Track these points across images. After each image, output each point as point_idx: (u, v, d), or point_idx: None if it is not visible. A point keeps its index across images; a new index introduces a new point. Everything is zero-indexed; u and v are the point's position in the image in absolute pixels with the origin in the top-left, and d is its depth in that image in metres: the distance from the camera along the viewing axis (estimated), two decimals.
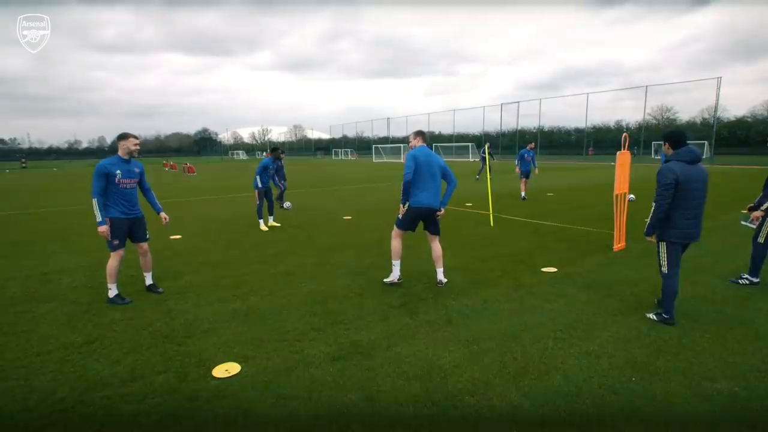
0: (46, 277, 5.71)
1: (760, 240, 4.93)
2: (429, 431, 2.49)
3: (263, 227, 8.85)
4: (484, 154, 22.95)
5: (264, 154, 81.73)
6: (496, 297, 4.67)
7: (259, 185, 8.76)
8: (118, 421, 2.63)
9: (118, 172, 4.54)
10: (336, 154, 76.46)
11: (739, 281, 5.02)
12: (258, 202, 8.88)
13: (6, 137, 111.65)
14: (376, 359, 3.33)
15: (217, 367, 3.23)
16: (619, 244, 6.66)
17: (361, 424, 2.56)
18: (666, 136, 4.02)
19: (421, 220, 4.98)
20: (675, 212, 3.84)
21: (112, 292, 4.68)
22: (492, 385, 2.94)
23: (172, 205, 13.13)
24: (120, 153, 4.65)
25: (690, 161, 3.84)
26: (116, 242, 4.59)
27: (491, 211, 9.43)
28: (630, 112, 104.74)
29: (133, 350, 3.56)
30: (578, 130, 57.97)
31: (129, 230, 4.72)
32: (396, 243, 5.05)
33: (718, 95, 35.13)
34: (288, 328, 3.94)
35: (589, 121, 49.31)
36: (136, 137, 4.76)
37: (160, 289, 5.02)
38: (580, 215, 9.95)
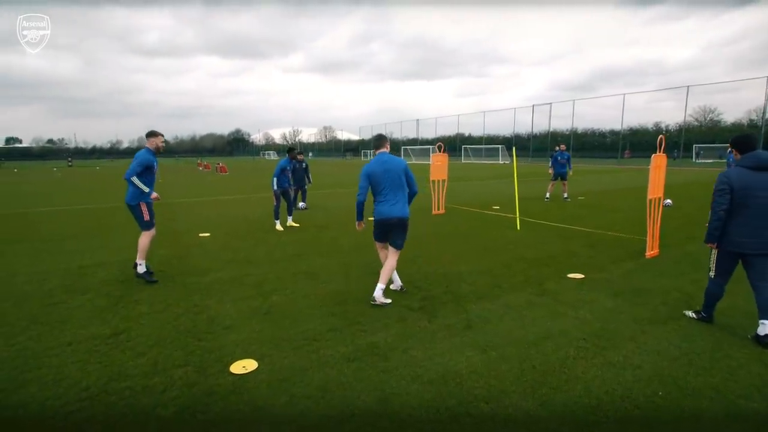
0: (83, 270, 5.98)
1: None
2: None
3: (279, 227, 8.95)
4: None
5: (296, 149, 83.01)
6: (519, 303, 4.55)
7: (275, 187, 8.91)
8: (137, 412, 2.71)
9: (155, 163, 5.36)
10: (365, 155, 76.84)
11: None
12: (275, 203, 9.01)
13: (55, 138, 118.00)
14: (392, 361, 3.31)
15: (234, 364, 3.29)
16: (651, 251, 6.38)
17: (372, 426, 2.55)
18: (732, 142, 3.86)
19: (390, 230, 4.61)
20: (731, 220, 3.70)
21: (142, 267, 5.35)
22: (508, 393, 2.86)
23: (203, 204, 13.52)
24: (151, 147, 5.35)
25: (754, 167, 3.62)
26: (151, 221, 5.40)
27: (518, 215, 9.24)
28: (670, 114, 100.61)
29: (157, 343, 3.67)
30: (613, 132, 56.01)
31: None
32: (380, 255, 4.88)
33: (767, 95, 33.18)
34: (306, 327, 3.97)
35: (625, 122, 47.51)
36: (162, 135, 5.50)
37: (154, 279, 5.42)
38: (612, 220, 9.61)
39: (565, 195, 13.18)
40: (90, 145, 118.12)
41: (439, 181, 11.02)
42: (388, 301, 4.54)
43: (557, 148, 13.01)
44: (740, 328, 3.88)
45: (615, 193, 15.78)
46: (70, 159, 58.51)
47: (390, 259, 4.59)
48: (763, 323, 3.60)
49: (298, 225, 9.34)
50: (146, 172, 5.24)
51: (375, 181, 4.54)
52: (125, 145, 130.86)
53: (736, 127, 54.62)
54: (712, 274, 3.95)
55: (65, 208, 13.01)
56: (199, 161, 50.05)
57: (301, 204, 12.01)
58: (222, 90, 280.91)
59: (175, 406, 2.76)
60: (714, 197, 3.74)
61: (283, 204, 9.28)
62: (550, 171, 13.15)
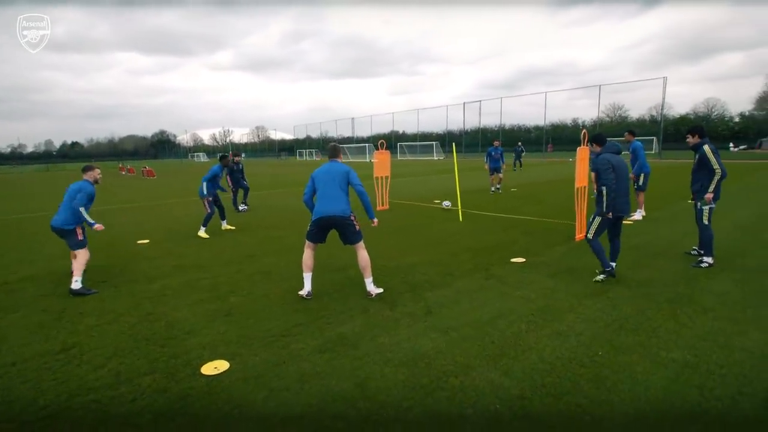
0: (9, 286, 5.48)
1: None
2: (419, 411, 2.65)
3: (203, 234, 8.22)
4: (520, 149, 25.06)
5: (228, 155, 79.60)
6: (470, 287, 4.90)
7: (204, 193, 8.31)
8: (111, 422, 2.64)
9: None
10: (300, 154, 75.66)
11: (691, 252, 5.90)
12: (209, 211, 8.29)
13: None
14: (362, 349, 3.46)
15: (205, 365, 3.27)
16: (580, 234, 7.07)
17: (355, 408, 2.69)
18: (594, 138, 5.22)
19: (330, 230, 4.73)
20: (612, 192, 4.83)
21: (77, 284, 5.09)
22: (473, 367, 3.14)
23: (135, 210, 12.72)
24: (90, 179, 5.68)
25: (615, 152, 5.00)
26: (84, 240, 5.45)
27: (460, 207, 9.74)
28: (585, 110, 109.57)
29: (115, 354, 3.53)
30: (537, 128, 60.11)
31: None
32: (305, 254, 4.76)
33: (664, 94, 37.33)
34: (272, 325, 4.01)
35: (547, 119, 51.18)
36: (98, 168, 5.97)
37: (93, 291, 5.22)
38: (543, 208, 10.43)
39: (498, 187, 14.03)
40: None
41: (382, 177, 11.28)
42: (381, 290, 4.80)
43: (495, 143, 13.80)
44: (657, 295, 4.49)
45: (543, 184, 17.04)
46: None
47: (360, 253, 4.74)
48: (611, 264, 4.99)
49: (234, 228, 9.05)
50: (89, 204, 5.48)
51: (316, 184, 4.78)
52: (29, 149, 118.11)
53: (640, 121, 60.73)
54: (590, 235, 4.97)
55: None
56: (120, 165, 46.45)
57: (242, 206, 11.73)
58: (144, 89, 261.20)
59: (150, 413, 2.71)
60: (603, 175, 4.77)
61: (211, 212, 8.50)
62: (486, 167, 13.93)
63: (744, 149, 48.66)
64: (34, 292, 5.21)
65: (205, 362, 3.33)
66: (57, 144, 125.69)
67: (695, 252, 5.84)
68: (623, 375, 2.97)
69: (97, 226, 5.39)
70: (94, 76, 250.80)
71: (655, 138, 41.40)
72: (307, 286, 4.70)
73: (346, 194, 4.72)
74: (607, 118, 64.94)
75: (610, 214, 4.84)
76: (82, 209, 5.32)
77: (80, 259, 5.24)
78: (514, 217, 9.41)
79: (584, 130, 7.02)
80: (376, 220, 4.98)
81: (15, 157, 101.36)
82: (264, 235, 8.34)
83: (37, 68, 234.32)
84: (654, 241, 6.87)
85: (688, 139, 5.66)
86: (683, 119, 60.15)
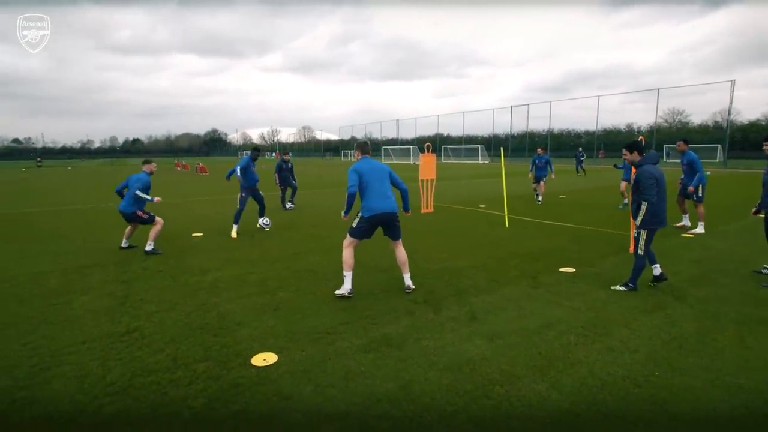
0: (82, 270, 5.94)
1: None
2: (463, 417, 2.63)
3: (234, 234, 8.25)
4: (581, 154, 25.23)
5: (273, 154, 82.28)
6: (517, 295, 4.79)
7: (239, 176, 8.41)
8: (169, 403, 2.80)
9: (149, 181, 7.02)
10: (345, 155, 76.74)
11: (762, 271, 5.48)
12: (240, 207, 8.40)
13: (21, 137, 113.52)
14: (406, 351, 3.47)
15: (255, 357, 3.40)
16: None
17: (398, 409, 2.71)
18: (631, 146, 4.92)
19: (379, 227, 4.87)
20: (658, 204, 4.70)
21: (150, 246, 6.82)
22: (520, 377, 3.07)
23: (190, 204, 13.39)
24: (147, 170, 7.10)
25: (655, 162, 4.82)
26: (151, 216, 6.97)
27: (506, 212, 9.54)
28: (641, 115, 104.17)
29: (173, 340, 3.74)
30: (588, 133, 57.68)
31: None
32: (348, 253, 4.79)
33: (731, 98, 34.83)
34: (317, 322, 4.10)
35: (599, 123, 49.04)
36: (155, 163, 7.40)
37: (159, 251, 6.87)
38: (594, 216, 10.02)
39: (540, 198, 12.82)
40: (59, 145, 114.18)
41: (427, 180, 11.25)
42: (413, 286, 4.96)
43: (538, 151, 13.17)
44: (722, 314, 4.20)
45: (593, 191, 16.36)
46: (39, 159, 56.45)
47: (399, 250, 4.98)
48: (656, 266, 4.94)
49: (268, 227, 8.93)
50: (146, 190, 6.91)
51: (363, 179, 4.82)
52: (96, 144, 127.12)
53: (702, 128, 56.89)
54: (642, 252, 4.78)
55: (41, 209, 12.68)
56: (176, 161, 49.06)
57: (289, 205, 12.06)
58: (198, 89, 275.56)
59: (204, 398, 2.86)
60: (647, 191, 4.60)
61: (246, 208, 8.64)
62: (531, 175, 13.24)
63: None
64: (101, 278, 5.61)
65: (255, 354, 3.46)
66: (120, 140, 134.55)
67: (767, 271, 5.41)
68: (684, 398, 2.80)
69: (156, 199, 6.89)
70: (154, 77, 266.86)
71: (719, 146, 38.69)
72: (348, 285, 4.76)
73: (391, 191, 4.92)
74: (666, 124, 61.29)
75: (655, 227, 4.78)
76: (138, 192, 6.70)
77: (156, 227, 6.87)
78: (563, 225, 9.09)
79: (641, 137, 6.68)
80: (410, 210, 5.26)
81: (84, 152, 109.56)
82: (309, 234, 8.54)
83: (103, 70, 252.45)
84: (718, 256, 6.43)
85: (765, 147, 5.27)
86: (753, 125, 55.71)
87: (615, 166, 12.35)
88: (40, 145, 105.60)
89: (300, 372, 3.17)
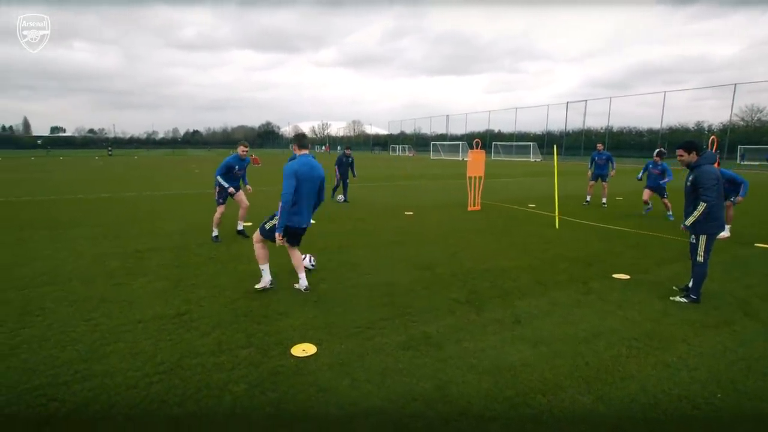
0: (140, 254, 6.32)
1: None
2: (501, 424, 2.54)
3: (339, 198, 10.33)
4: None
5: (323, 148, 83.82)
6: (565, 300, 4.57)
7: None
8: (212, 386, 2.91)
9: (236, 166, 7.26)
10: (393, 150, 76.83)
11: None
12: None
13: (96, 128, 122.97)
14: (446, 351, 3.41)
15: (295, 347, 3.46)
16: None
17: (434, 410, 2.66)
18: (689, 145, 4.56)
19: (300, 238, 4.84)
20: (716, 206, 4.39)
21: (215, 233, 7.29)
22: (564, 387, 2.92)
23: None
24: (237, 152, 7.28)
25: (713, 162, 4.53)
26: (221, 200, 7.27)
27: (557, 213, 9.14)
28: (713, 113, 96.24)
29: (218, 325, 3.89)
30: (651, 131, 54.12)
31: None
32: (259, 247, 4.75)
33: None
34: (357, 316, 4.12)
35: (664, 121, 45.85)
36: (245, 146, 7.37)
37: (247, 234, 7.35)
38: (653, 221, 9.39)
39: (604, 200, 11.97)
40: (128, 135, 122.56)
41: (475, 177, 11.01)
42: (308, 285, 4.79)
43: (598, 147, 12.27)
44: None
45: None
46: (110, 148, 60.88)
47: (296, 253, 4.84)
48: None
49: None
50: (226, 171, 7.16)
51: (299, 187, 4.46)
52: (160, 135, 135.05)
53: None
54: (701, 259, 4.47)
55: (110, 195, 13.64)
56: (231, 152, 51.22)
57: (340, 197, 12.21)
58: (255, 83, 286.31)
59: (245, 383, 2.94)
60: (708, 192, 4.30)
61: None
62: (589, 173, 12.40)
63: None
64: (158, 261, 5.95)
65: (295, 344, 3.53)
66: (181, 132, 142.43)
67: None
68: (748, 426, 2.55)
69: (230, 190, 7.17)
70: (215, 72, 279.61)
71: None
72: (267, 277, 4.78)
73: (315, 202, 4.79)
74: (742, 122, 56.24)
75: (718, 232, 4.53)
76: (219, 178, 7.12)
77: (216, 215, 7.29)
78: (618, 229, 8.59)
79: (713, 136, 6.15)
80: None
81: (149, 142, 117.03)
82: (353, 228, 8.61)
83: (169, 65, 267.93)
84: None
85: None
86: None
87: (638, 178, 10.95)
88: (111, 136, 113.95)
89: (338, 365, 3.20)
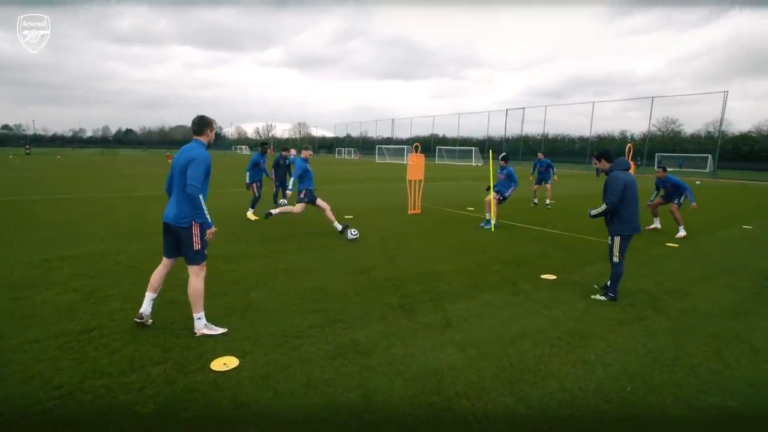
0: (48, 264, 5.73)
1: None
2: (424, 431, 2.51)
3: (251, 216, 9.48)
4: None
5: (269, 149, 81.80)
6: (496, 302, 4.68)
7: (248, 180, 9.76)
8: (116, 409, 2.65)
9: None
10: (339, 153, 76.44)
11: None
12: (256, 195, 9.76)
13: (11, 123, 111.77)
14: (374, 359, 3.35)
15: (215, 361, 3.25)
16: None
17: (358, 421, 2.58)
18: (601, 154, 4.94)
19: (173, 241, 3.76)
20: (626, 210, 4.74)
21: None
22: (488, 389, 2.96)
23: None
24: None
25: (626, 169, 4.81)
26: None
27: (493, 216, 9.44)
28: (636, 123, 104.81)
29: (132, 340, 3.57)
30: (582, 139, 57.97)
31: None
32: (156, 270, 3.91)
33: (723, 109, 35.13)
34: (287, 324, 3.96)
35: (593, 130, 49.26)
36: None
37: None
38: (582, 224, 9.96)
39: (547, 202, 13.10)
40: (50, 133, 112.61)
41: (415, 181, 11.13)
42: (215, 331, 3.71)
43: (539, 155, 13.32)
44: (701, 328, 4.13)
45: (583, 198, 16.34)
46: (27, 146, 55.54)
47: (190, 279, 3.72)
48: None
49: (257, 218, 9.44)
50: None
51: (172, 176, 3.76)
52: (89, 134, 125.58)
53: (694, 137, 57.42)
54: (616, 259, 4.78)
55: (25, 198, 12.39)
56: (168, 153, 48.57)
57: (282, 201, 11.87)
58: (196, 81, 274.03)
59: (154, 404, 2.71)
60: (610, 196, 4.67)
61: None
62: (532, 178, 13.53)
63: None
64: (69, 271, 5.42)
65: (216, 357, 3.31)
66: (113, 130, 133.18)
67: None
68: (653, 416, 2.71)
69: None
70: (153, 68, 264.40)
71: (710, 156, 39.03)
72: (146, 308, 3.82)
73: (184, 193, 3.60)
74: (659, 132, 61.74)
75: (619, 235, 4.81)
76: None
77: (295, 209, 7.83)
78: (549, 231, 9.03)
79: (630, 144, 6.62)
80: (212, 229, 3.80)
81: (75, 141, 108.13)
82: (289, 232, 8.38)
83: (103, 59, 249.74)
84: (700, 267, 6.38)
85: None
86: (744, 137, 56.31)
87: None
88: (30, 132, 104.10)
89: (260, 378, 3.04)
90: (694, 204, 8.78)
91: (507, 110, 54.77)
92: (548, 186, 13.04)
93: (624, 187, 4.66)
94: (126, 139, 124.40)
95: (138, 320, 3.79)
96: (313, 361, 3.29)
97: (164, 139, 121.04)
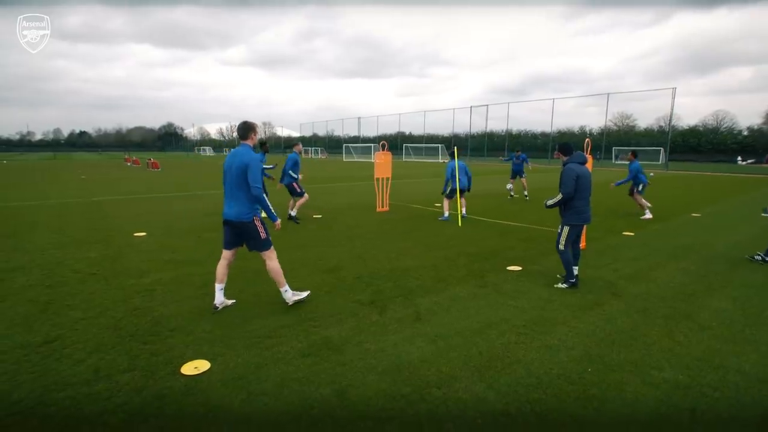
0: (1, 274, 5.44)
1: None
2: (398, 423, 2.57)
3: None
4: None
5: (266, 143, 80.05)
6: (463, 295, 4.81)
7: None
8: (82, 421, 2.58)
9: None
10: (306, 152, 75.64)
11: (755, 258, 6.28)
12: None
13: None
14: (347, 355, 3.39)
15: (185, 365, 3.20)
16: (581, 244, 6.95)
17: (332, 417, 2.62)
18: (559, 147, 5.21)
19: (235, 235, 4.23)
20: (577, 201, 4.98)
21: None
22: (458, 378, 3.06)
23: (136, 202, 12.70)
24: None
25: (581, 162, 5.06)
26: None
27: (459, 211, 9.64)
28: (593, 118, 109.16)
29: (97, 349, 3.47)
30: (544, 134, 59.81)
31: None
32: (219, 263, 4.36)
33: (672, 105, 37.09)
34: (258, 325, 3.94)
35: (554, 125, 50.90)
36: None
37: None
38: (544, 216, 10.32)
39: (525, 193, 14.07)
40: None
41: (382, 178, 11.20)
42: (302, 294, 4.47)
43: (517, 152, 14.36)
44: (654, 310, 4.39)
45: (546, 191, 16.88)
46: None
47: (267, 264, 4.29)
48: (574, 268, 5.08)
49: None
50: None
51: (224, 177, 4.20)
52: (38, 136, 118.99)
53: (647, 131, 60.28)
54: (562, 246, 5.03)
55: None
56: (126, 156, 46.64)
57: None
58: (154, 81, 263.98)
59: (123, 413, 2.65)
60: (563, 186, 4.90)
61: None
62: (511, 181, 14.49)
63: (752, 163, 48.22)
64: (23, 282, 5.16)
65: (186, 361, 3.26)
66: (65, 132, 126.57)
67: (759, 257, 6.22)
68: (611, 394, 2.88)
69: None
70: (105, 67, 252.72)
71: (662, 149, 41.10)
72: (217, 298, 4.29)
73: (245, 193, 4.05)
74: (615, 127, 64.54)
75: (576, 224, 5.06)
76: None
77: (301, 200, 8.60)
78: (514, 224, 9.30)
79: (587, 139, 6.92)
80: (278, 221, 4.39)
81: (24, 144, 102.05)
82: None
83: (49, 57, 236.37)
84: (654, 253, 6.76)
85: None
86: (692, 131, 59.70)
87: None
88: None
89: (232, 380, 3.02)
90: (612, 185, 10.60)
91: (471, 107, 55.82)
92: (523, 180, 14.07)
93: (577, 178, 4.89)
94: (80, 141, 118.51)
95: (214, 310, 4.26)
96: (286, 360, 3.29)
97: (122, 142, 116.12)
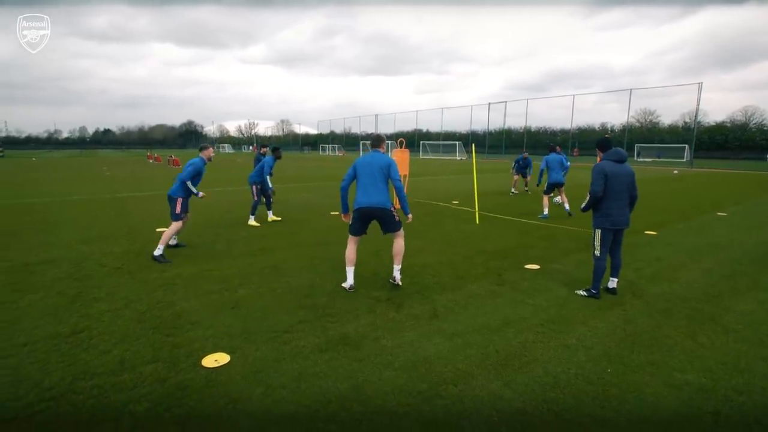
0: (30, 268, 5.65)
1: None
2: (414, 419, 2.59)
3: (253, 223, 8.78)
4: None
5: (251, 147, 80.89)
6: (481, 292, 4.79)
7: (255, 179, 9.00)
8: (108, 409, 2.67)
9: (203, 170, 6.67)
10: (323, 149, 76.12)
11: None
12: (255, 200, 8.96)
13: None
14: (363, 351, 3.42)
15: (206, 358, 3.28)
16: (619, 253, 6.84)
17: (348, 411, 2.65)
18: (597, 143, 4.86)
19: (370, 221, 4.88)
20: (608, 203, 4.58)
21: (158, 251, 6.01)
22: (475, 376, 3.06)
23: (158, 198, 12.99)
24: (203, 156, 6.62)
25: (617, 160, 4.63)
26: (179, 215, 6.39)
27: (477, 209, 9.58)
28: (615, 115, 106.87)
29: (122, 341, 3.58)
30: (564, 131, 58.75)
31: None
32: (348, 249, 4.92)
33: (698, 100, 35.99)
34: (276, 320, 4.00)
35: (574, 122, 50.00)
36: (212, 148, 6.97)
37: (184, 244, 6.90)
38: (563, 214, 10.17)
39: (526, 188, 15.07)
40: (24, 134, 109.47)
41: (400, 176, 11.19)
42: (400, 280, 4.95)
43: (524, 154, 14.83)
44: (676, 311, 4.30)
45: (566, 189, 16.61)
46: (1, 149, 53.93)
47: (397, 241, 4.96)
48: (612, 279, 4.78)
49: (280, 218, 9.30)
50: (197, 177, 6.50)
51: (357, 173, 4.87)
52: (65, 135, 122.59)
53: (672, 128, 58.68)
54: (598, 252, 4.62)
55: (3, 201, 12.09)
56: (149, 153, 47.70)
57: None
58: (176, 79, 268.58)
59: (147, 402, 2.74)
60: (592, 185, 4.54)
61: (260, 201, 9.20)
62: (512, 171, 14.89)
63: None
64: (52, 275, 5.35)
65: (207, 354, 3.35)
66: (90, 131, 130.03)
67: None
68: (631, 395, 2.84)
69: (201, 194, 6.55)
70: (129, 66, 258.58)
71: (687, 146, 40.00)
72: (350, 280, 4.84)
73: (386, 186, 4.80)
74: (637, 124, 62.96)
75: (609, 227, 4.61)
76: (189, 182, 6.37)
77: (169, 229, 6.31)
78: (532, 222, 9.20)
79: (608, 134, 6.79)
80: (410, 215, 5.05)
81: (51, 143, 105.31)
82: (278, 230, 8.39)
83: (76, 57, 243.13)
84: (677, 254, 6.60)
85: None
86: (719, 127, 57.86)
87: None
88: (3, 134, 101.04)
89: (251, 373, 3.08)
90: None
91: (489, 104, 55.28)
92: (527, 179, 14.92)
93: (606, 176, 4.50)
94: (104, 139, 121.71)
95: (350, 290, 4.78)
96: (304, 355, 3.34)
97: (144, 139, 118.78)
